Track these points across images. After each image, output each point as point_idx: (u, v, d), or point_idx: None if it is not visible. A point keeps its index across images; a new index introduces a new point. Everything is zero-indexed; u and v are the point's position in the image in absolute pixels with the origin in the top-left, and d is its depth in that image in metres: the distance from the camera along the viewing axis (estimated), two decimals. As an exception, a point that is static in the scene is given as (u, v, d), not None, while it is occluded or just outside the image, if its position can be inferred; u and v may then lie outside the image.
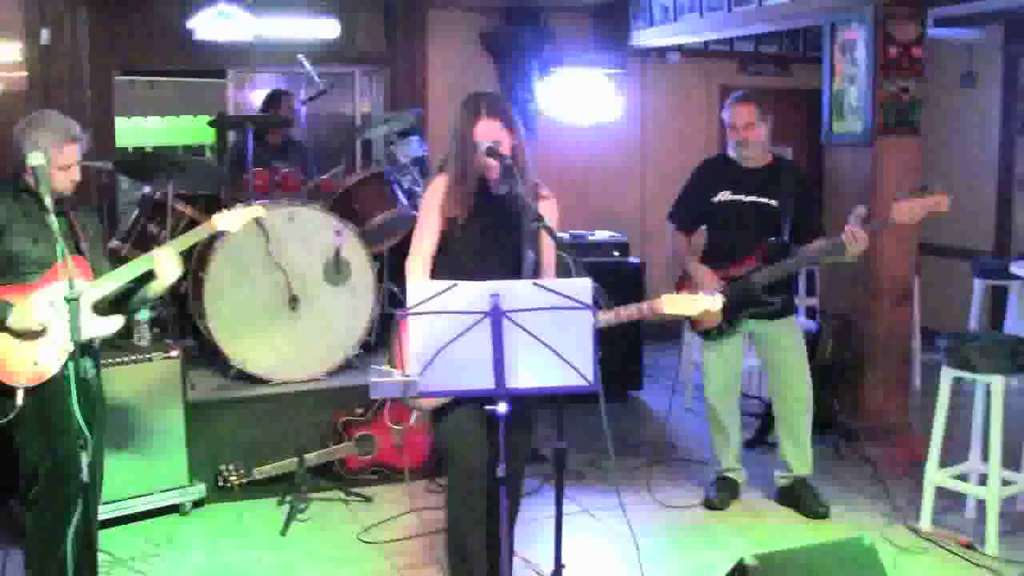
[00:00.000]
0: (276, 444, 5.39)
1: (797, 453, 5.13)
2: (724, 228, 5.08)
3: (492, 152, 3.50)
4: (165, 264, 3.82)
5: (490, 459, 3.48)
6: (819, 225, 5.05)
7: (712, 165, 5.29)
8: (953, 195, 4.58)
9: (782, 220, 4.98)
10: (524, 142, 3.66)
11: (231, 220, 4.06)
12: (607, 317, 3.52)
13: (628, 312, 3.64)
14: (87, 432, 3.44)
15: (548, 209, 3.66)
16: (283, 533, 4.88)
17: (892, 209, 4.60)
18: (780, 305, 5.02)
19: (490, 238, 3.62)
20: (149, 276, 3.86)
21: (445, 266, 3.61)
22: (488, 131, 3.57)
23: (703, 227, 5.22)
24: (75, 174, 3.76)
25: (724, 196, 5.06)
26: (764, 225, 4.98)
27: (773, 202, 4.99)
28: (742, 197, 5.04)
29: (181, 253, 3.91)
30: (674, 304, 3.60)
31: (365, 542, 4.77)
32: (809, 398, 5.11)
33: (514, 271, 3.50)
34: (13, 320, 3.59)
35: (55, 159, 3.63)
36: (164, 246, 3.90)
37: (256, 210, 4.21)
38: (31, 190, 3.69)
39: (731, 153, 5.11)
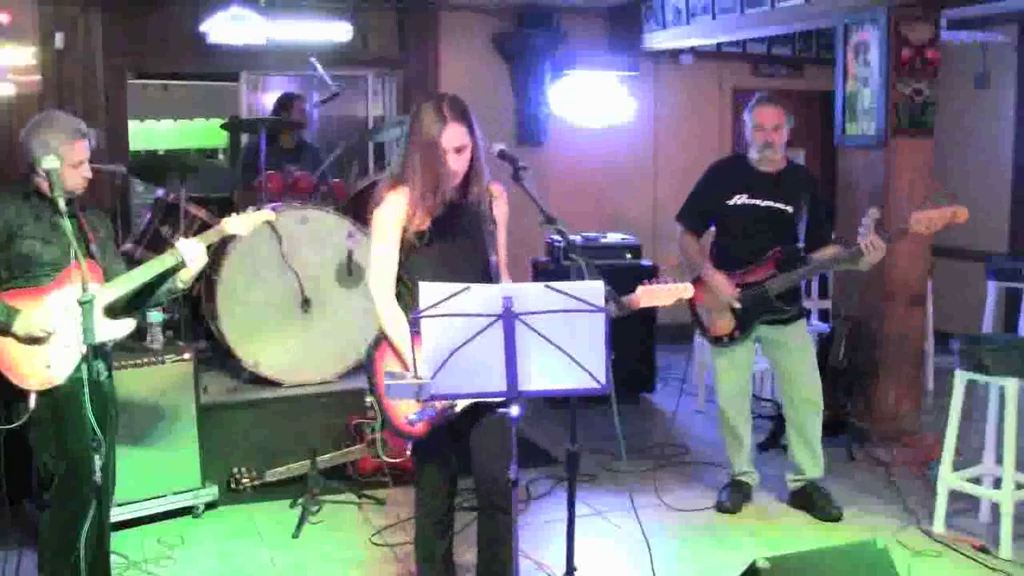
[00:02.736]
0: (288, 446, 5.40)
1: (808, 455, 5.11)
2: (737, 232, 5.03)
3: (504, 155, 3.49)
4: (193, 252, 3.85)
5: (454, 473, 3.75)
6: (829, 231, 5.03)
7: (727, 167, 5.25)
8: (967, 198, 4.56)
9: (796, 225, 4.96)
10: (481, 144, 3.56)
11: (241, 224, 4.06)
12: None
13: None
14: (100, 434, 3.45)
15: (500, 207, 3.65)
16: (295, 535, 4.88)
17: (909, 219, 4.58)
18: (795, 312, 5.01)
19: (454, 246, 3.58)
20: (165, 277, 3.88)
21: (412, 280, 3.49)
22: (455, 137, 3.47)
23: (710, 229, 5.21)
24: (86, 171, 3.78)
25: (740, 199, 5.00)
26: (778, 230, 4.95)
27: (788, 208, 4.95)
28: (758, 201, 4.98)
29: None
30: (650, 296, 3.56)
31: (377, 544, 4.78)
32: (819, 400, 5.09)
33: (482, 276, 3.52)
34: (18, 327, 3.60)
35: (67, 157, 3.64)
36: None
37: (266, 215, 4.20)
38: (41, 192, 3.71)
39: (753, 154, 5.03)
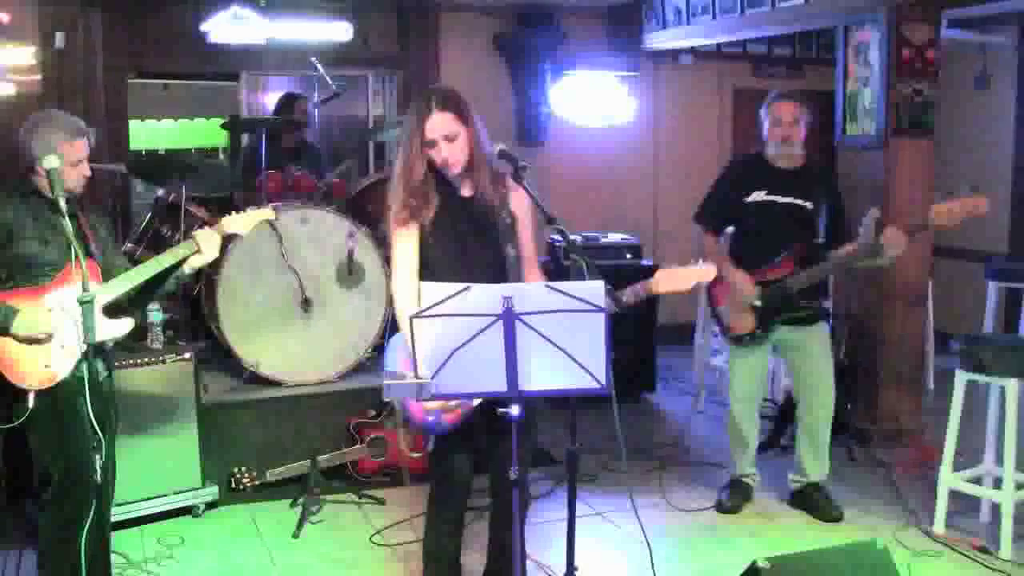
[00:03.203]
0: (289, 446, 5.41)
1: (815, 459, 5.10)
2: (757, 229, 4.99)
3: (504, 154, 3.48)
4: (209, 241, 3.87)
5: (469, 473, 3.68)
6: (846, 227, 5.00)
7: (745, 164, 5.21)
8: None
9: (816, 222, 4.93)
10: (482, 133, 3.51)
11: (240, 222, 4.07)
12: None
13: (625, 298, 3.59)
14: (100, 434, 3.45)
15: (519, 200, 3.59)
16: (296, 535, 4.89)
17: (930, 211, 4.56)
18: (815, 310, 4.99)
19: (466, 240, 3.54)
20: (167, 273, 3.88)
21: (426, 276, 3.47)
22: (441, 125, 3.43)
23: (728, 228, 5.18)
24: (86, 169, 3.78)
25: (758, 196, 4.97)
26: (798, 227, 4.91)
27: (808, 204, 4.92)
28: (777, 198, 4.95)
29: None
30: (669, 280, 3.54)
31: (378, 544, 4.78)
32: (832, 405, 5.07)
33: (498, 271, 3.48)
34: (17, 327, 3.59)
35: (66, 155, 3.64)
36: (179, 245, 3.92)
37: (264, 212, 4.21)
38: (40, 192, 3.71)
39: (771, 151, 5.01)
